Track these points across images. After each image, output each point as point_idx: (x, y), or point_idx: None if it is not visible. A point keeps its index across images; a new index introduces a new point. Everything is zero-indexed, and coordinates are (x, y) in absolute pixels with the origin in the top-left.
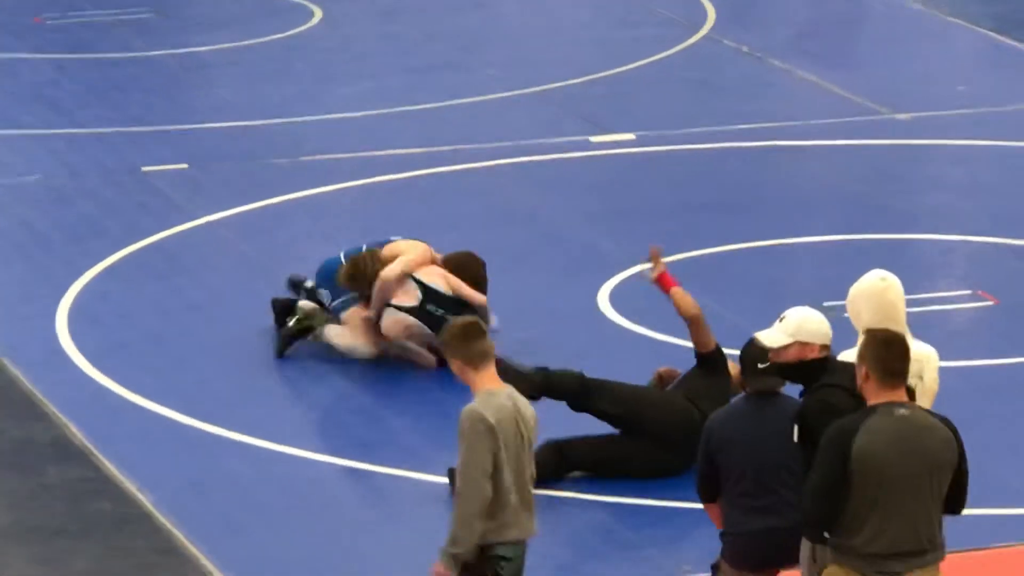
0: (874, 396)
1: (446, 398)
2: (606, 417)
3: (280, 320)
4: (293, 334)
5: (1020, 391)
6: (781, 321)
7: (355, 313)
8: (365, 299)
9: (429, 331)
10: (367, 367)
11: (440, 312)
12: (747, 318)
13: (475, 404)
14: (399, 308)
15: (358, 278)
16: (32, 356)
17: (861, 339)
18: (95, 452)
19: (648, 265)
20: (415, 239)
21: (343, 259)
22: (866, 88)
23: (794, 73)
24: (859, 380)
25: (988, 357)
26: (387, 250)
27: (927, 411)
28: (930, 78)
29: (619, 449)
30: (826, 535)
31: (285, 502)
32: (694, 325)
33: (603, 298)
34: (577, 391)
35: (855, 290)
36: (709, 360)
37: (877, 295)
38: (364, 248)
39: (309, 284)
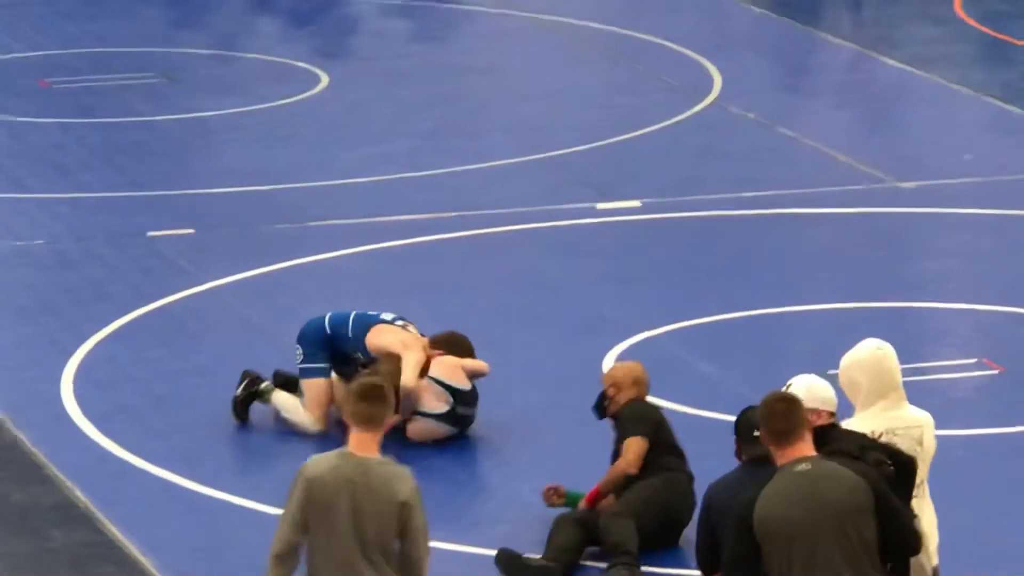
0: (777, 458)
1: (446, 466)
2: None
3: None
4: (242, 399)
5: None
6: (788, 388)
7: (317, 385)
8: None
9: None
10: None
11: (469, 412)
12: (750, 386)
13: (314, 455)
14: (430, 415)
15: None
16: (36, 419)
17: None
18: (99, 516)
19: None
20: (403, 319)
21: (327, 324)
22: (871, 156)
23: (800, 141)
24: (765, 444)
25: (993, 425)
26: (372, 339)
27: (835, 462)
28: (936, 146)
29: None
30: None
31: None
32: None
33: (608, 364)
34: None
35: (850, 360)
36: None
37: (876, 363)
38: (352, 316)
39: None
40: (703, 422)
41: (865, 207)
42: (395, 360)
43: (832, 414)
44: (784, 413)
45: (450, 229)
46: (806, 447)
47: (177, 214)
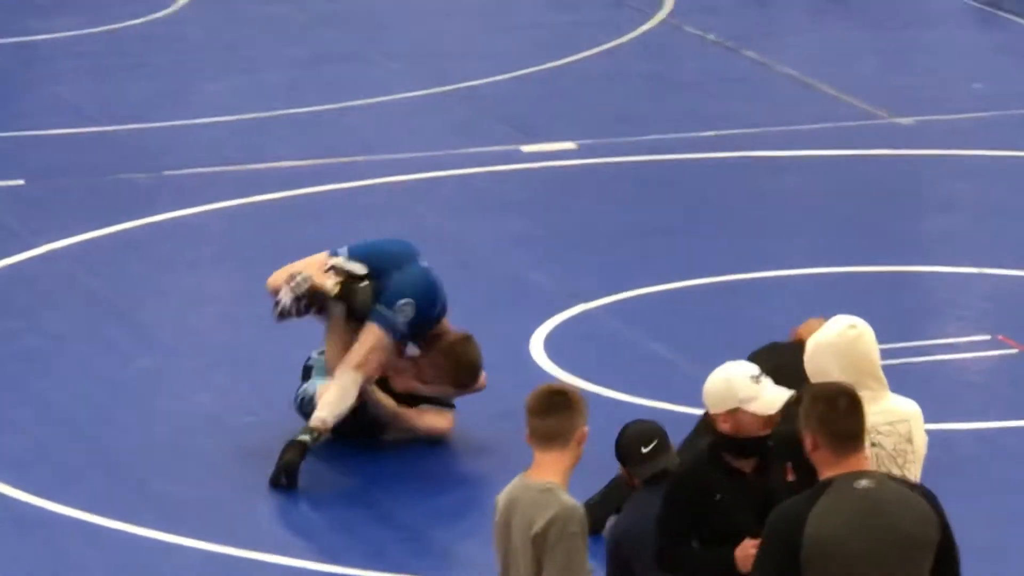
0: (827, 468)
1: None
2: None
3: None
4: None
5: None
6: (763, 375)
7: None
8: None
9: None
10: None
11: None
12: (710, 369)
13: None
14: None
15: None
16: None
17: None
18: None
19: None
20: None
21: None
22: (860, 86)
23: (772, 67)
24: (808, 449)
25: (1011, 416)
26: None
27: (897, 480)
28: (939, 73)
29: None
30: None
31: None
32: None
33: (536, 343)
34: None
35: (817, 342)
36: None
37: (847, 346)
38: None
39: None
40: (652, 414)
41: (852, 149)
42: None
43: None
44: (849, 411)
45: (338, 178)
46: (865, 458)
47: (3, 161)
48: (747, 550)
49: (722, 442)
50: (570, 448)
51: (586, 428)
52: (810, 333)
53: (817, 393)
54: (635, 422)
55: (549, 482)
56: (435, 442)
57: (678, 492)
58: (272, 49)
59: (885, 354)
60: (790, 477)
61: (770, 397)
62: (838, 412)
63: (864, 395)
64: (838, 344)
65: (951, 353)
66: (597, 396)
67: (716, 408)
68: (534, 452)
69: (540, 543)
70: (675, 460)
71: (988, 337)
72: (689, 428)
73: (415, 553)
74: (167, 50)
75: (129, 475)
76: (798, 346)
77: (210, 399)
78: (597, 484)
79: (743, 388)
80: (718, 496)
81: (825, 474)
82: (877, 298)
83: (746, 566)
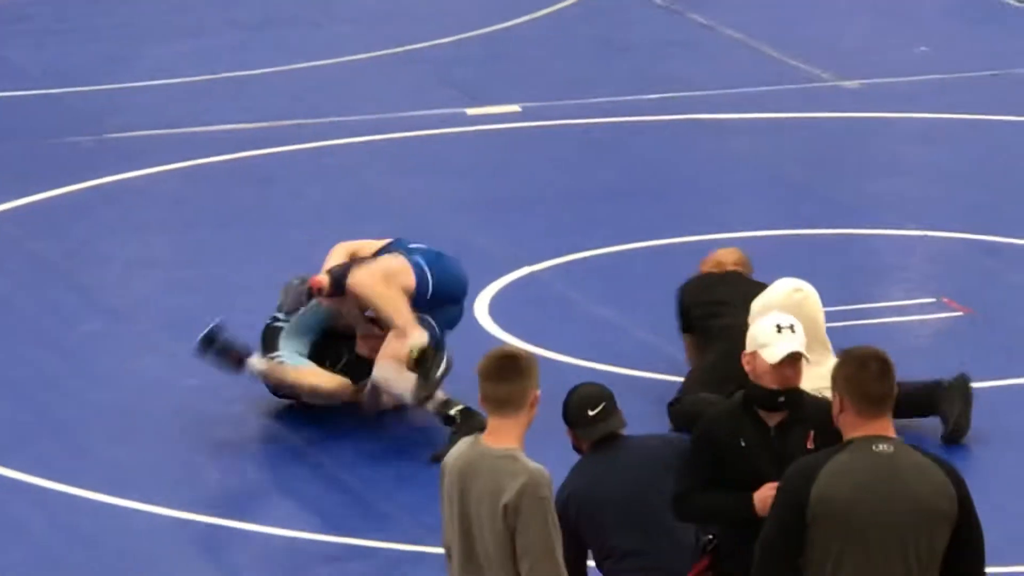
0: (851, 429)
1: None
2: None
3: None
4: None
5: (999, 421)
6: (794, 331)
7: None
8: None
9: None
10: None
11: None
12: (656, 332)
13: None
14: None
15: None
16: None
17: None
18: None
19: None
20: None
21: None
22: (805, 49)
23: (718, 30)
24: (835, 413)
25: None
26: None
27: (920, 450)
28: (883, 36)
29: None
30: None
31: (85, 556)
32: None
33: (480, 307)
34: None
35: (763, 303)
36: None
37: (793, 309)
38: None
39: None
40: (597, 377)
41: (798, 112)
42: None
43: None
44: (881, 373)
45: (283, 141)
46: (890, 424)
47: None
48: (766, 492)
49: (754, 393)
50: (524, 412)
51: (538, 391)
52: (727, 259)
53: (848, 355)
54: (582, 385)
55: (509, 448)
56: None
57: (706, 435)
58: (218, 12)
59: (830, 317)
60: (810, 445)
61: (778, 348)
62: (869, 374)
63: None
64: (784, 307)
65: (896, 316)
66: (542, 359)
67: (746, 348)
68: (488, 417)
69: (512, 512)
70: (622, 423)
71: (933, 300)
72: (637, 391)
73: (361, 516)
74: (112, 13)
75: (74, 438)
76: (735, 275)
77: (155, 362)
78: (543, 448)
79: (763, 334)
80: (743, 443)
81: (848, 435)
82: (822, 261)
83: (764, 509)
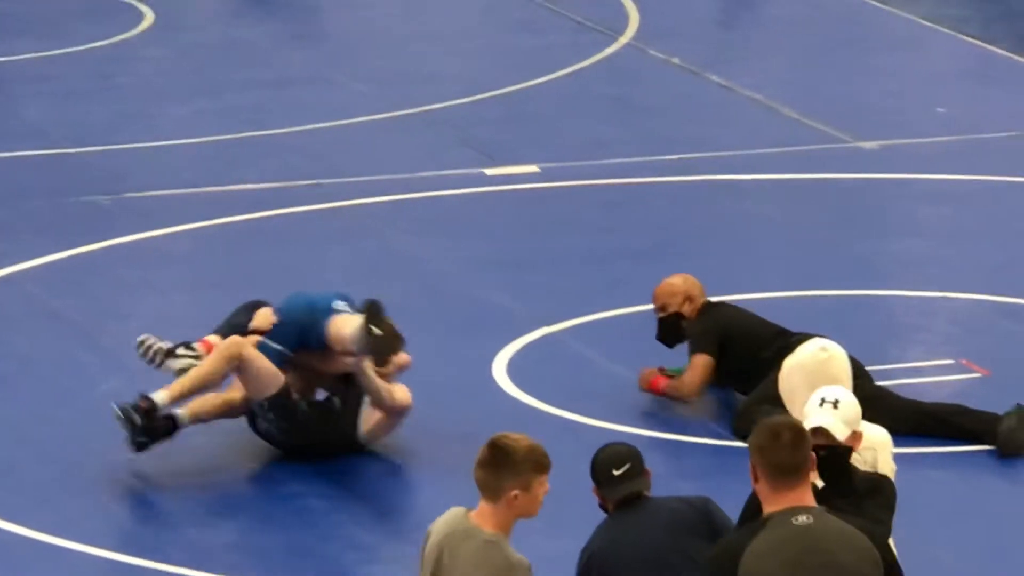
0: (768, 502)
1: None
2: None
3: None
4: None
5: (1018, 482)
6: (836, 407)
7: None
8: None
9: None
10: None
11: None
12: None
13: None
14: None
15: None
16: None
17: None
18: None
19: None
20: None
21: (311, 307)
22: (824, 110)
23: (736, 91)
24: (752, 482)
25: (976, 441)
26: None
27: (839, 515)
28: (903, 98)
29: None
30: None
31: None
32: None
33: (499, 367)
34: None
35: (791, 364)
36: None
37: (817, 369)
38: (312, 302)
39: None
40: (615, 437)
41: (816, 172)
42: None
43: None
44: (794, 444)
45: (303, 201)
46: (807, 493)
47: None
48: None
49: None
50: (502, 504)
51: (520, 492)
52: (697, 289)
53: (762, 424)
54: (609, 444)
55: (494, 534)
56: (392, 460)
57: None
58: (237, 72)
59: None
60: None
61: (808, 421)
62: (780, 444)
63: None
64: (809, 366)
65: (915, 377)
66: (560, 419)
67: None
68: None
69: None
70: (647, 484)
71: (952, 361)
72: (656, 451)
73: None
74: (131, 72)
75: (96, 498)
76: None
77: None
78: (571, 514)
79: (808, 406)
80: None
81: (767, 509)
82: (841, 322)
83: None
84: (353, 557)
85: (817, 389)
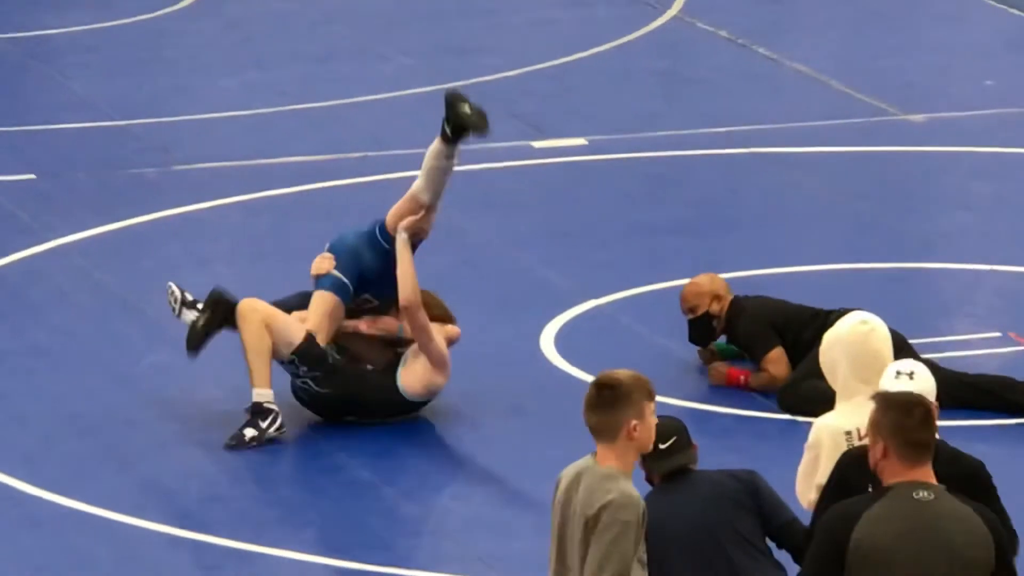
0: (892, 476)
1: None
2: None
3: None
4: (205, 324)
5: None
6: (912, 379)
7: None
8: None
9: None
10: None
11: None
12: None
13: None
14: None
15: None
16: None
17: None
18: None
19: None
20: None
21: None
22: (872, 83)
23: (784, 64)
24: (873, 459)
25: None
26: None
27: (960, 497)
28: (951, 71)
29: None
30: None
31: None
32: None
33: (547, 340)
34: None
35: (831, 338)
36: None
37: (858, 343)
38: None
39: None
40: (665, 411)
41: (864, 146)
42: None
43: None
44: (924, 421)
45: (349, 174)
46: (931, 471)
47: (14, 155)
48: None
49: None
50: (620, 441)
51: (638, 421)
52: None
53: (891, 402)
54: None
55: (612, 468)
56: (439, 431)
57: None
58: (283, 45)
59: None
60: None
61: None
62: (913, 421)
63: (871, 392)
64: (849, 339)
65: (962, 350)
66: None
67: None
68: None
69: (592, 525)
70: (694, 458)
71: (999, 334)
72: (701, 424)
73: (425, 548)
74: (178, 45)
75: (139, 470)
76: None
77: (220, 394)
78: None
79: (884, 381)
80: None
81: (888, 482)
82: (888, 295)
83: None
84: (398, 529)
85: (856, 364)
